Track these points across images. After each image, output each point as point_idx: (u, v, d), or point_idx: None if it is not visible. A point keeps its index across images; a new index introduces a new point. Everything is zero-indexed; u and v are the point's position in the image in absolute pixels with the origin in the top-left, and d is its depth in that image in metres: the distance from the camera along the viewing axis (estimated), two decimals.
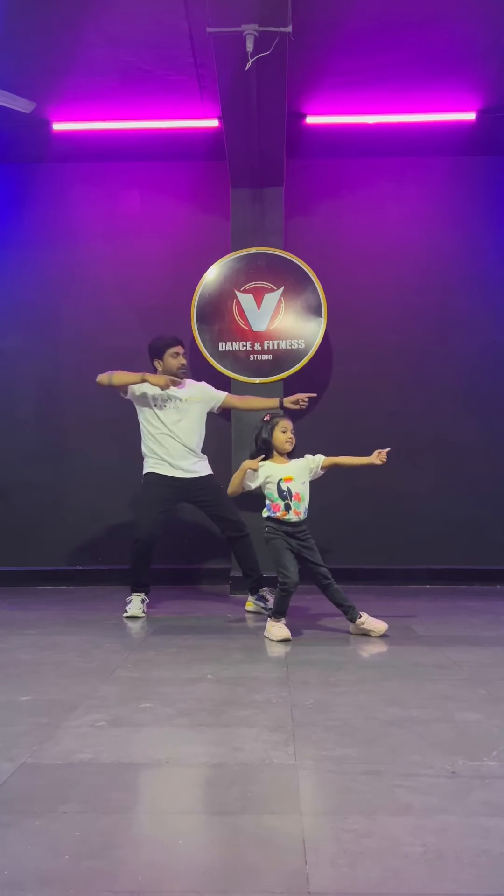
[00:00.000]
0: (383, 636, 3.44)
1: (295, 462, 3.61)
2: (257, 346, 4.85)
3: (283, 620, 3.49)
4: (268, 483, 3.54)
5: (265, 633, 3.49)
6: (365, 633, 3.47)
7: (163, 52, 4.16)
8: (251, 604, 4.19)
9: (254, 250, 4.90)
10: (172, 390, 4.15)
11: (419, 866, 1.43)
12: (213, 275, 4.92)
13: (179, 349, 4.23)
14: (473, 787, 1.79)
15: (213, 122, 4.86)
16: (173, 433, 4.13)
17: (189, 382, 4.29)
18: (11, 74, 4.34)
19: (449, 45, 4.15)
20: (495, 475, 5.20)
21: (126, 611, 4.02)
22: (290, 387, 4.87)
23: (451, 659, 3.04)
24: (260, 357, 4.85)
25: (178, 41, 4.06)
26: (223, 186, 5.05)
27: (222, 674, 2.82)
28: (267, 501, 3.57)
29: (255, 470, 3.56)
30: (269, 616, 3.55)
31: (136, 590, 4.12)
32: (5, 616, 4.14)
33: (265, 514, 3.57)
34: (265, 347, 4.84)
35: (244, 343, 4.85)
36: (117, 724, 2.26)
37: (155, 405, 4.15)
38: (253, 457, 3.60)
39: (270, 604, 4.07)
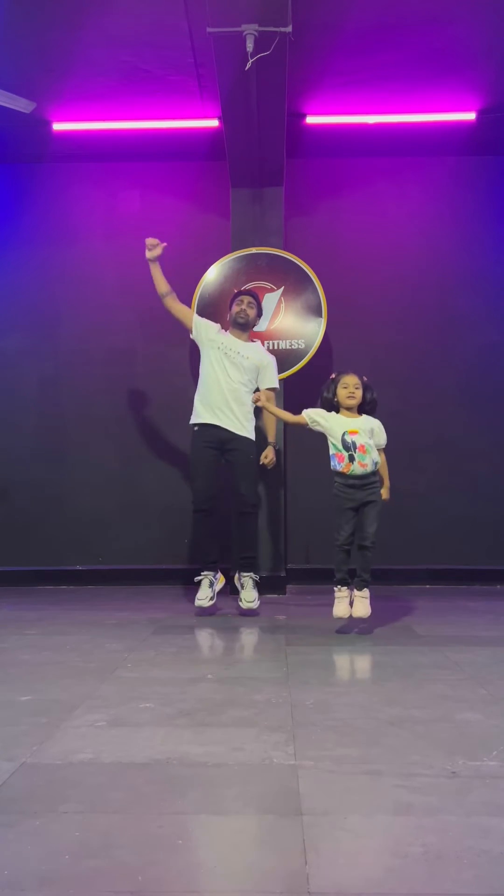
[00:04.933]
0: (377, 635, 3.44)
1: (366, 419, 3.61)
2: (266, 345, 4.84)
3: (346, 591, 3.52)
4: (333, 433, 3.56)
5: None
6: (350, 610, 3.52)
7: (163, 52, 4.16)
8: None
9: (254, 250, 4.90)
10: (234, 344, 4.20)
11: (419, 866, 1.42)
12: (213, 275, 4.92)
13: (243, 298, 4.29)
14: (473, 787, 1.79)
15: (213, 122, 4.86)
16: (219, 378, 4.15)
17: (256, 346, 4.33)
18: (11, 74, 4.34)
19: (449, 45, 4.15)
20: (495, 475, 5.20)
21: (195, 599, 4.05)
22: (290, 387, 4.87)
23: (451, 659, 3.04)
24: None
25: (178, 41, 4.06)
26: (223, 186, 5.05)
27: (222, 674, 2.82)
28: (332, 452, 3.58)
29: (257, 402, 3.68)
30: (335, 582, 3.58)
31: (203, 568, 4.12)
32: (5, 616, 4.14)
33: (332, 467, 3.59)
34: (265, 347, 4.82)
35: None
36: (117, 724, 2.26)
37: (210, 347, 4.20)
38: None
39: (242, 594, 4.06)
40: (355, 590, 3.54)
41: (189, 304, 4.92)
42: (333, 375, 3.68)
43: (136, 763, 1.95)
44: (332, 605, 3.60)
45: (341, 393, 3.60)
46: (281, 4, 3.41)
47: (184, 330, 4.87)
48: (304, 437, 4.95)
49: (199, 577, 4.11)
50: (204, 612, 4.03)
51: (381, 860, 1.45)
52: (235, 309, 4.27)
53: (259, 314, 4.38)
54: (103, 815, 1.65)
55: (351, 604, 3.54)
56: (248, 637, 3.60)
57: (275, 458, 4.20)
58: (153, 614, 4.09)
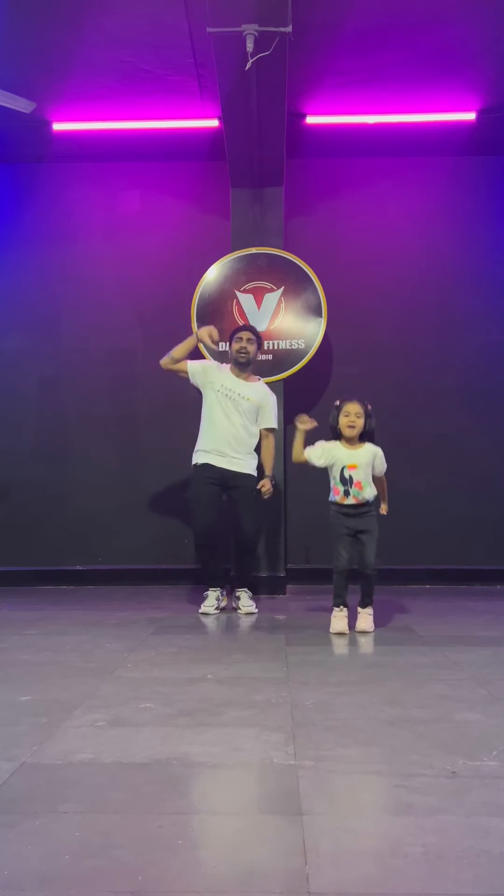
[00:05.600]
0: (377, 635, 3.45)
1: (366, 450, 3.63)
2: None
3: (345, 611, 3.59)
4: (335, 466, 3.61)
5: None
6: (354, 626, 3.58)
7: (163, 52, 4.16)
8: (216, 591, 4.23)
9: (254, 250, 4.90)
10: (235, 384, 4.19)
11: (419, 866, 1.42)
12: (214, 275, 4.92)
13: (243, 334, 4.27)
14: (473, 787, 1.79)
15: (213, 122, 4.86)
16: (223, 423, 4.15)
17: (258, 385, 4.30)
18: (11, 74, 4.34)
19: (449, 45, 4.15)
20: (495, 475, 5.20)
21: (200, 606, 4.13)
22: (290, 387, 4.87)
23: (451, 659, 3.04)
24: (260, 357, 4.84)
25: (178, 41, 4.06)
26: (223, 186, 5.05)
27: (222, 674, 2.82)
28: (331, 484, 3.65)
29: (305, 428, 3.60)
30: (334, 604, 3.65)
31: (211, 584, 4.21)
32: (5, 616, 4.14)
33: (330, 498, 3.66)
34: (265, 347, 4.82)
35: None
36: (117, 724, 2.26)
37: (211, 390, 4.19)
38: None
39: (240, 602, 4.12)
40: (358, 607, 3.61)
41: (189, 304, 4.92)
42: (338, 402, 3.69)
43: (136, 763, 1.95)
44: (331, 605, 3.60)
45: (342, 421, 3.62)
46: (281, 4, 3.41)
47: (184, 330, 4.88)
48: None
49: (208, 592, 4.21)
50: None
51: (381, 860, 1.45)
52: (235, 346, 4.23)
53: (259, 347, 4.35)
54: (103, 815, 1.65)
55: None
56: (248, 637, 3.60)
57: (272, 490, 4.18)
58: (153, 614, 4.09)
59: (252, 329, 4.34)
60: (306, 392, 5.12)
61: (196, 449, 4.24)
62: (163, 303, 5.22)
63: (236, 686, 2.65)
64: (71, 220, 5.37)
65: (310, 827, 1.58)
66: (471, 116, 4.80)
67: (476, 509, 5.17)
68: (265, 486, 4.13)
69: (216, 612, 4.11)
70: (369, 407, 3.65)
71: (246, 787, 1.79)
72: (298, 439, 3.65)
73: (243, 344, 4.22)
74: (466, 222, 5.29)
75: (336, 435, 3.65)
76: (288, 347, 4.85)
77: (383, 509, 3.73)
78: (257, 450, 4.27)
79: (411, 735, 2.14)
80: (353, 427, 3.58)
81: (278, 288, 4.87)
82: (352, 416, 3.59)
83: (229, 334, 4.39)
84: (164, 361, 4.22)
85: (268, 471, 4.24)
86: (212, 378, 4.20)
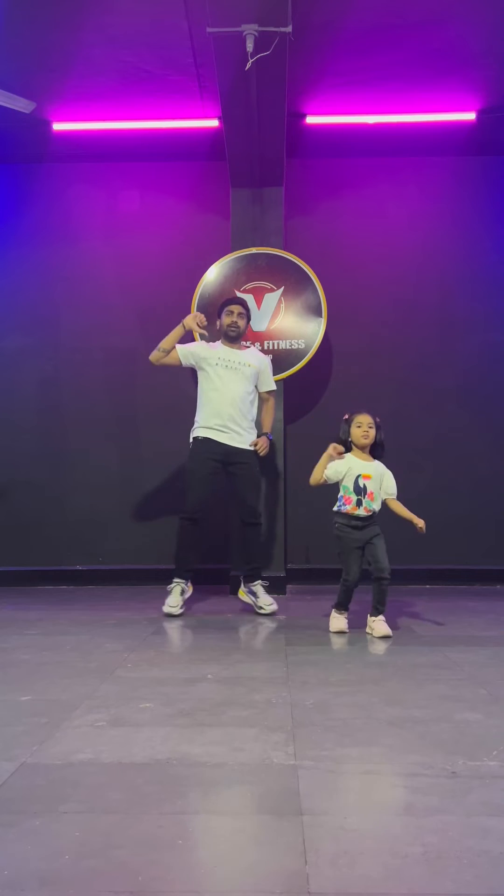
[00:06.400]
0: (383, 638, 3.44)
1: (378, 464, 3.64)
2: (257, 346, 4.84)
3: (345, 613, 3.61)
4: (348, 475, 3.58)
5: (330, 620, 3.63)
6: (369, 632, 3.54)
7: (163, 52, 4.16)
8: (243, 593, 4.20)
9: (254, 250, 4.90)
10: (232, 354, 4.17)
11: (419, 866, 1.42)
12: (213, 275, 4.92)
13: (233, 307, 4.22)
14: (473, 787, 1.79)
15: (213, 122, 4.87)
16: (222, 391, 4.11)
17: (252, 350, 4.32)
18: (11, 74, 4.34)
19: (449, 45, 4.15)
20: (495, 475, 5.20)
21: (164, 605, 4.04)
22: (290, 387, 4.87)
23: (451, 659, 3.04)
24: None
25: (178, 41, 4.06)
26: (223, 186, 5.05)
27: (222, 674, 2.82)
28: (340, 494, 3.61)
29: (339, 455, 3.56)
30: (333, 606, 3.65)
31: (178, 575, 4.10)
32: (5, 616, 4.14)
33: (336, 508, 3.62)
34: (265, 347, 4.83)
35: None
36: (117, 724, 2.26)
37: (207, 365, 4.15)
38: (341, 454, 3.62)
39: (260, 601, 4.07)
40: (372, 616, 3.57)
41: (189, 304, 4.92)
42: (347, 416, 3.68)
43: (136, 763, 1.95)
44: (331, 605, 3.60)
45: (355, 432, 3.60)
46: (281, 4, 3.41)
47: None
48: (303, 437, 4.96)
49: (172, 585, 4.09)
50: (173, 618, 4.00)
51: (381, 860, 1.45)
52: (226, 321, 4.20)
53: (248, 321, 4.33)
54: (103, 815, 1.65)
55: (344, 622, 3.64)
56: (248, 637, 3.60)
57: (267, 448, 4.16)
58: (153, 614, 4.09)
59: (242, 302, 4.29)
60: (306, 392, 5.13)
61: (196, 425, 4.18)
62: (163, 303, 5.22)
63: (236, 686, 2.65)
64: (71, 220, 5.37)
65: (310, 827, 1.58)
66: (471, 116, 4.80)
67: (476, 509, 5.17)
68: (259, 444, 4.12)
69: (181, 611, 4.01)
70: (378, 420, 3.65)
71: (246, 787, 1.79)
72: (323, 463, 3.59)
73: (234, 318, 4.19)
74: (466, 222, 5.29)
75: (347, 448, 3.64)
76: (288, 347, 4.85)
77: (419, 524, 3.61)
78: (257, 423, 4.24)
79: (411, 735, 2.14)
80: (366, 437, 3.58)
81: (278, 288, 4.87)
82: (364, 426, 3.59)
83: (218, 307, 4.34)
84: (155, 356, 4.16)
85: (266, 428, 4.24)
86: (205, 354, 4.17)
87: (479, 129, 4.94)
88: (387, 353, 5.23)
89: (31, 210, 5.39)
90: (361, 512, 3.56)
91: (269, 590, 4.22)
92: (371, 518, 3.60)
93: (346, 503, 3.58)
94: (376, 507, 3.60)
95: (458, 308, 5.27)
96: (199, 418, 4.18)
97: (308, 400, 5.12)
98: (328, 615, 3.69)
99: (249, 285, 4.88)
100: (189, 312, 4.89)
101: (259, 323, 4.85)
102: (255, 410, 4.25)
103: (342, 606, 3.63)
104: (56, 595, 4.86)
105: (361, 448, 3.61)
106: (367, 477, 3.56)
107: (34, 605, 4.48)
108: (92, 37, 4.02)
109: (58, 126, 4.92)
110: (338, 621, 3.60)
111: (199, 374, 4.22)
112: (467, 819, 1.62)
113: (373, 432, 3.60)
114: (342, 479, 3.59)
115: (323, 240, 5.25)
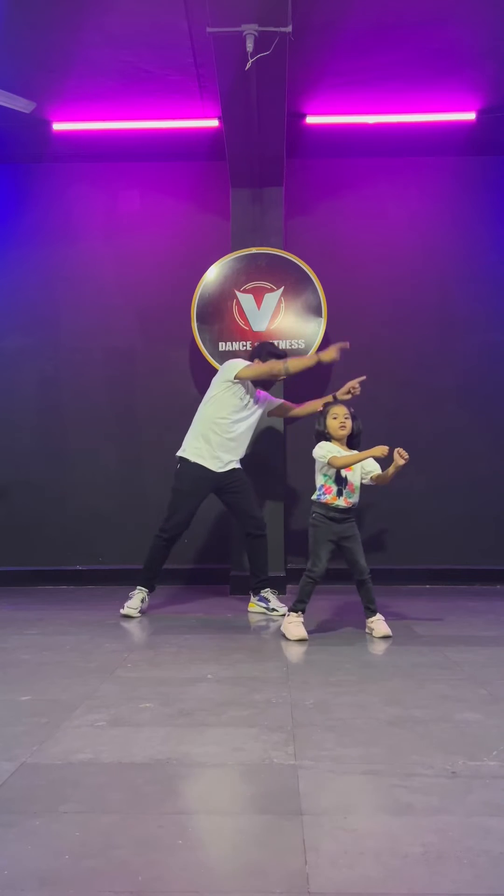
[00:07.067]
0: (383, 638, 3.44)
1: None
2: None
3: (303, 617, 3.50)
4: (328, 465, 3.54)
5: (282, 629, 3.51)
6: (369, 632, 3.51)
7: (163, 52, 4.16)
8: (254, 605, 4.20)
9: (254, 250, 4.90)
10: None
11: (419, 866, 1.42)
12: (213, 275, 4.92)
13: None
14: (473, 787, 1.79)
15: (213, 122, 4.86)
16: (236, 431, 4.12)
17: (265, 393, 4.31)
18: (11, 74, 4.34)
19: (449, 45, 4.15)
20: (495, 475, 5.20)
21: (123, 607, 4.03)
22: (290, 386, 4.87)
23: (451, 659, 3.04)
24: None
25: (178, 41, 4.06)
26: (223, 186, 5.05)
27: (222, 674, 2.82)
28: (320, 484, 3.58)
29: (383, 455, 3.45)
30: (289, 608, 3.57)
31: (143, 584, 4.13)
32: (5, 616, 4.14)
33: (315, 497, 3.58)
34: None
35: (244, 343, 4.85)
36: (117, 724, 2.26)
37: (243, 401, 4.12)
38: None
39: (273, 604, 4.09)
40: (368, 619, 3.54)
41: (189, 304, 4.92)
42: (322, 407, 3.67)
43: (136, 763, 1.95)
44: (331, 604, 3.60)
45: (332, 424, 3.57)
46: (281, 4, 3.41)
47: (184, 330, 4.89)
48: (303, 437, 4.95)
49: (136, 592, 4.11)
50: (130, 620, 3.98)
51: (381, 860, 1.45)
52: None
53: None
54: (103, 815, 1.65)
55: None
56: (248, 637, 3.60)
57: (352, 383, 4.04)
58: (153, 614, 4.09)
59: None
60: (306, 392, 5.11)
61: (189, 450, 4.14)
62: (163, 303, 5.22)
63: (236, 686, 2.65)
64: (71, 220, 5.37)
65: (310, 827, 1.58)
66: (471, 116, 4.80)
67: (476, 509, 5.17)
68: (350, 387, 3.99)
69: (139, 615, 4.02)
70: (352, 410, 3.64)
71: (246, 787, 1.79)
72: (362, 458, 3.47)
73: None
74: (466, 222, 5.29)
75: (325, 439, 3.60)
76: (288, 347, 4.85)
77: (398, 456, 3.46)
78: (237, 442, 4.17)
79: (411, 735, 2.14)
80: (343, 427, 3.56)
81: (278, 288, 4.87)
82: (340, 417, 3.57)
83: (275, 352, 4.26)
84: (276, 369, 4.05)
85: (325, 399, 4.06)
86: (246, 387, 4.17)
87: (479, 129, 4.94)
88: (387, 353, 5.23)
89: (31, 210, 5.39)
90: (341, 503, 3.52)
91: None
92: (349, 512, 3.55)
93: (327, 492, 3.54)
94: (356, 499, 3.56)
95: (458, 308, 5.26)
96: (195, 447, 4.17)
97: (308, 400, 5.11)
98: (328, 615, 3.69)
99: (249, 285, 4.88)
100: (189, 312, 4.90)
101: (259, 323, 4.85)
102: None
103: (303, 605, 3.51)
104: (56, 595, 4.86)
105: (339, 440, 3.58)
106: (349, 468, 3.55)
107: (34, 605, 4.48)
108: (92, 37, 4.02)
109: (58, 126, 4.92)
110: (297, 628, 3.45)
111: (228, 400, 4.11)
112: (467, 819, 1.62)
113: (349, 423, 3.57)
114: (324, 468, 3.55)
115: (323, 240, 5.25)
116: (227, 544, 4.96)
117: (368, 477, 3.59)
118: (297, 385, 4.94)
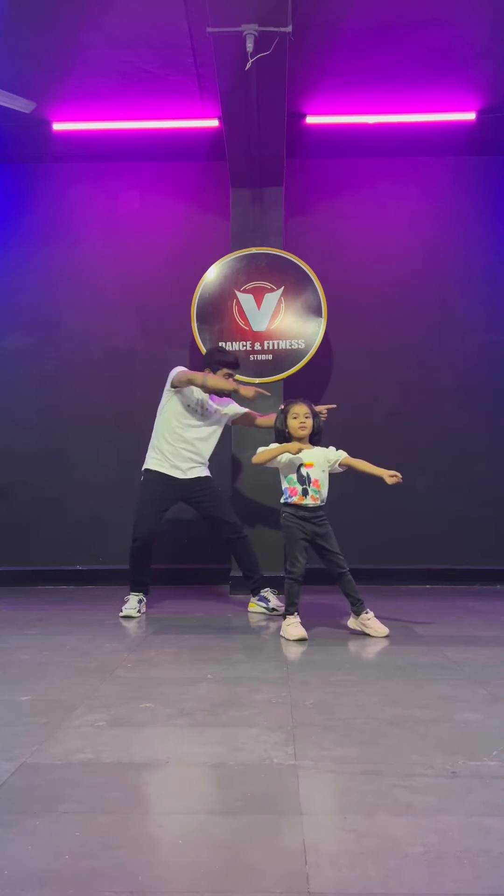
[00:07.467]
0: (383, 637, 3.44)
1: (318, 449, 3.61)
2: (257, 346, 4.85)
3: (299, 618, 3.50)
4: (289, 466, 3.55)
5: (281, 633, 3.50)
6: (363, 630, 3.49)
7: (163, 52, 4.16)
8: (254, 605, 4.20)
9: (254, 250, 4.90)
10: (215, 403, 4.20)
11: (419, 866, 1.42)
12: (213, 275, 4.92)
13: (231, 372, 4.22)
14: (473, 787, 1.79)
15: (213, 122, 4.87)
16: (195, 440, 4.15)
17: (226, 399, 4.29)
18: (11, 74, 4.34)
19: (449, 45, 4.15)
20: (494, 475, 5.20)
21: (122, 610, 4.03)
22: (290, 387, 4.87)
23: (451, 659, 3.04)
24: (260, 357, 4.85)
25: (178, 41, 4.06)
26: (223, 186, 5.05)
27: (222, 674, 2.82)
28: (284, 486, 3.58)
29: (296, 453, 3.49)
30: (284, 613, 3.57)
31: (134, 589, 4.15)
32: (5, 616, 4.14)
33: (283, 500, 3.59)
34: (265, 347, 4.84)
35: (244, 343, 4.85)
36: (117, 724, 2.26)
37: (190, 408, 4.14)
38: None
39: (272, 604, 4.09)
40: (360, 615, 3.51)
41: (189, 304, 4.92)
42: (282, 406, 3.66)
43: (136, 763, 1.95)
44: (330, 604, 3.60)
45: (292, 424, 3.56)
46: (281, 4, 3.41)
47: (184, 330, 4.89)
48: None
49: (130, 596, 4.12)
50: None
51: (381, 860, 1.45)
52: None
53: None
54: (103, 815, 1.65)
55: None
56: (248, 637, 3.60)
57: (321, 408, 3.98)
58: (153, 614, 4.09)
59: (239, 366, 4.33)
60: (306, 392, 5.10)
61: (150, 460, 4.21)
62: (163, 303, 5.23)
63: (236, 686, 2.65)
64: (71, 220, 5.37)
65: (310, 827, 1.58)
66: (471, 116, 4.81)
67: (476, 509, 5.17)
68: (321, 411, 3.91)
69: (139, 615, 4.04)
70: (315, 407, 3.63)
71: (246, 787, 1.79)
72: (277, 452, 3.52)
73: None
74: (466, 222, 5.30)
75: (285, 439, 3.60)
76: (288, 347, 4.85)
77: (390, 476, 3.50)
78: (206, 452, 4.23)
79: (411, 735, 2.14)
80: (304, 428, 3.55)
81: (278, 288, 4.87)
82: (300, 417, 3.55)
83: (221, 359, 4.24)
84: (195, 378, 4.00)
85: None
86: (198, 396, 4.17)
87: (479, 129, 4.94)
88: (387, 353, 5.23)
89: (31, 210, 5.40)
90: (308, 501, 3.51)
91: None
92: (319, 510, 3.54)
93: (292, 494, 3.54)
94: (323, 493, 3.55)
95: (458, 308, 5.27)
96: (156, 457, 4.22)
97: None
98: (328, 615, 3.69)
99: (249, 285, 4.88)
100: (189, 312, 4.89)
101: (259, 323, 4.85)
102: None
103: (294, 608, 3.51)
104: (56, 595, 4.86)
105: (299, 439, 3.57)
106: (309, 465, 3.53)
107: (34, 605, 4.48)
108: (92, 37, 4.02)
109: (58, 126, 4.92)
110: (296, 628, 3.43)
111: (178, 409, 4.15)
112: (467, 819, 1.62)
113: (310, 422, 3.56)
114: (284, 471, 3.56)
115: (323, 240, 5.25)
116: (227, 545, 4.95)
117: (336, 464, 3.58)
118: (296, 390, 4.93)
